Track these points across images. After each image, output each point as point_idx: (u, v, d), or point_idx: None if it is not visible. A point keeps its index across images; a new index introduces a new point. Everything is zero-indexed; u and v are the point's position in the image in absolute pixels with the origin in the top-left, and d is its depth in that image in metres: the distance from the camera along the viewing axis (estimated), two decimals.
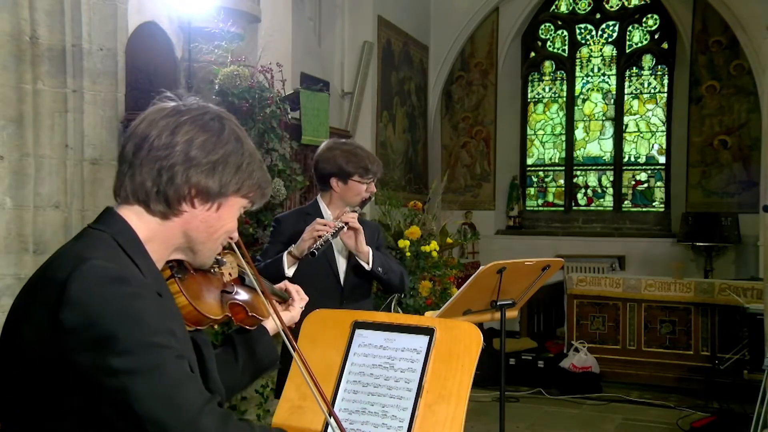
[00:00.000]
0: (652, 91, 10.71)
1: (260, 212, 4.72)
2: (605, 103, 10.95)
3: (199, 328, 1.48)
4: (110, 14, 3.90)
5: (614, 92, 10.85)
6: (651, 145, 10.74)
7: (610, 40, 10.90)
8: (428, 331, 1.84)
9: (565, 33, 11.09)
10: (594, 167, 11.04)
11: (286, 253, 2.91)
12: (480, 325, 2.16)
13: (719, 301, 6.72)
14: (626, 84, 10.79)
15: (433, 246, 5.65)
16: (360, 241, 2.95)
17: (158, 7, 5.53)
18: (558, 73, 11.16)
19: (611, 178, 10.89)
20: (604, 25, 10.93)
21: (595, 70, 10.99)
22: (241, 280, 1.63)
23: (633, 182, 10.80)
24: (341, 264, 3.07)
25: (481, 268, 3.16)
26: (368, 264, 2.99)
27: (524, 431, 5.70)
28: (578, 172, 11.11)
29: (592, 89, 11.01)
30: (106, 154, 3.96)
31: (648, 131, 10.75)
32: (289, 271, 2.89)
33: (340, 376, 1.85)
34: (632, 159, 10.83)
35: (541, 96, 11.28)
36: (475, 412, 5.22)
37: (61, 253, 1.33)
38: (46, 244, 3.73)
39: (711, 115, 9.63)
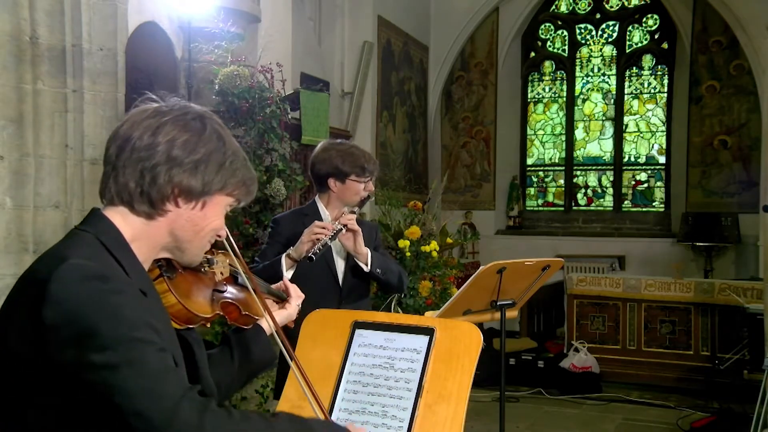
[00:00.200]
0: (652, 91, 10.71)
1: (260, 212, 4.72)
2: (605, 103, 10.96)
3: (190, 326, 1.48)
4: (110, 14, 3.89)
5: (614, 92, 10.85)
6: (651, 145, 10.74)
7: (610, 40, 10.91)
8: (428, 331, 1.84)
9: (565, 33, 11.09)
10: (594, 167, 11.04)
11: (284, 255, 2.91)
12: (480, 325, 2.16)
13: (719, 301, 6.72)
14: (626, 84, 10.80)
15: (433, 246, 5.65)
16: (359, 243, 2.95)
17: (158, 7, 5.53)
18: (558, 73, 11.17)
19: (611, 178, 10.90)
20: (604, 25, 10.93)
21: (595, 70, 10.99)
22: (234, 280, 1.63)
23: (633, 182, 10.81)
24: (340, 265, 3.07)
25: (481, 268, 3.16)
26: (367, 265, 2.98)
27: (524, 431, 5.70)
28: (578, 172, 11.11)
29: (592, 89, 11.02)
30: None
31: (648, 131, 10.75)
32: (287, 274, 2.89)
33: (340, 376, 1.85)
34: (632, 159, 10.83)
35: (541, 96, 11.28)
36: (475, 412, 5.23)
37: (45, 255, 1.35)
38: (46, 244, 3.73)
39: (711, 115, 9.63)
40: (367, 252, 2.98)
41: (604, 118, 11.00)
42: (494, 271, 3.14)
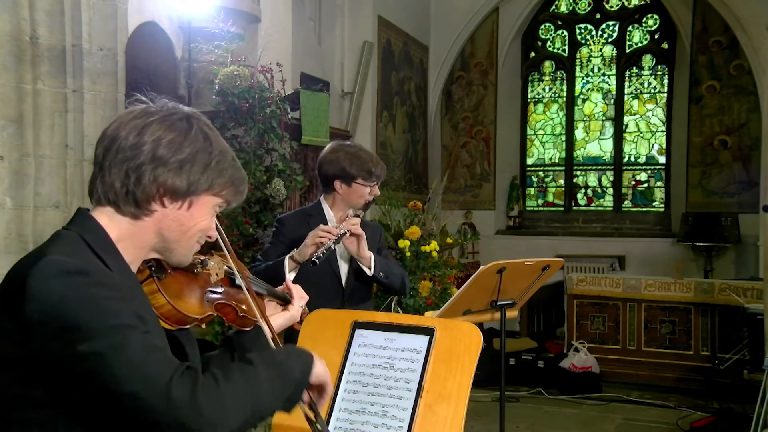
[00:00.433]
0: (652, 91, 10.71)
1: (260, 212, 4.72)
2: (605, 103, 10.95)
3: (182, 327, 1.48)
4: (110, 14, 3.89)
5: (614, 92, 10.85)
6: (651, 145, 10.74)
7: (610, 40, 10.90)
8: (428, 331, 1.84)
9: (565, 33, 11.09)
10: (594, 167, 11.04)
11: (287, 257, 2.91)
12: (480, 325, 2.16)
13: (719, 301, 6.72)
14: (626, 84, 10.80)
15: (433, 246, 5.65)
16: (362, 247, 2.95)
17: (158, 7, 5.53)
18: (558, 73, 11.17)
19: (611, 178, 10.90)
20: (604, 25, 10.93)
21: (595, 70, 10.99)
22: (231, 281, 1.63)
23: (633, 182, 10.81)
24: (343, 267, 3.07)
25: (481, 268, 3.16)
26: (370, 269, 2.98)
27: (524, 431, 5.70)
28: (578, 172, 11.11)
29: (592, 89, 11.02)
30: None
31: (648, 131, 10.75)
32: (290, 275, 2.89)
33: (340, 376, 1.85)
34: (632, 159, 10.83)
35: (541, 96, 11.28)
36: (475, 412, 5.22)
37: (29, 253, 1.36)
38: None
39: (711, 115, 9.63)
40: (371, 256, 2.98)
41: (604, 118, 11.00)
42: (494, 271, 3.14)
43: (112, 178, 1.38)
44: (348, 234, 2.89)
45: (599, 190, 11.01)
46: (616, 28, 10.85)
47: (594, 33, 10.98)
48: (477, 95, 10.89)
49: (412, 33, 9.91)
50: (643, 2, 10.64)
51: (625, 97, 10.80)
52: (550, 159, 11.26)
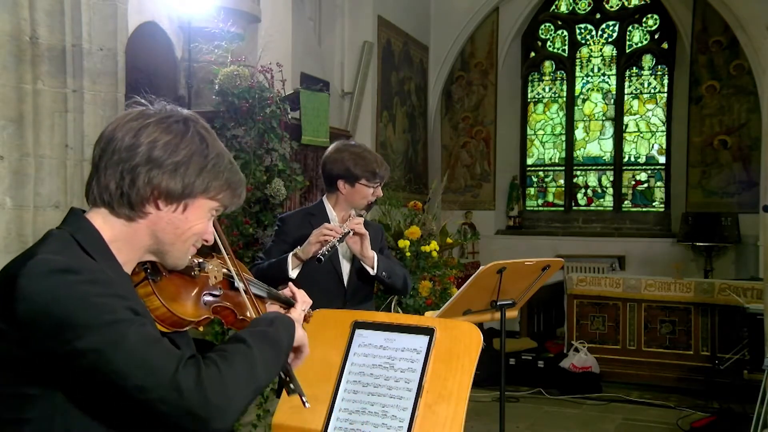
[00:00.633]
0: (652, 91, 10.71)
1: (260, 212, 4.72)
2: (605, 103, 10.96)
3: (178, 330, 1.47)
4: (110, 14, 3.89)
5: (614, 92, 10.85)
6: (651, 145, 10.74)
7: (610, 40, 10.91)
8: (428, 331, 1.84)
9: (565, 33, 11.09)
10: (594, 167, 11.04)
11: (291, 254, 2.91)
12: (480, 325, 2.16)
13: (719, 301, 6.72)
14: (626, 84, 10.80)
15: (433, 246, 5.64)
16: (365, 247, 2.95)
17: (158, 7, 5.53)
18: (558, 73, 11.17)
19: (611, 178, 10.90)
20: (604, 25, 10.93)
21: (595, 70, 10.99)
22: (230, 284, 1.62)
23: (633, 182, 10.81)
24: (345, 267, 3.07)
25: (481, 268, 3.16)
26: (373, 269, 2.99)
27: (524, 431, 5.70)
28: (578, 172, 11.11)
29: (592, 89, 11.02)
30: None
31: (648, 131, 10.75)
32: (293, 273, 2.89)
33: (340, 376, 1.85)
34: (632, 159, 10.83)
35: (541, 96, 11.28)
36: (475, 412, 5.23)
37: (20, 254, 1.36)
38: None
39: (711, 115, 9.63)
40: (374, 255, 2.98)
41: (604, 118, 11.00)
42: (494, 271, 3.15)
43: (108, 179, 1.37)
44: (352, 233, 2.89)
45: (599, 190, 11.01)
46: (616, 28, 10.85)
47: (594, 33, 10.98)
48: (477, 95, 10.89)
49: (412, 33, 9.91)
50: (643, 2, 10.64)
51: (625, 97, 10.80)
52: (550, 159, 11.26)
